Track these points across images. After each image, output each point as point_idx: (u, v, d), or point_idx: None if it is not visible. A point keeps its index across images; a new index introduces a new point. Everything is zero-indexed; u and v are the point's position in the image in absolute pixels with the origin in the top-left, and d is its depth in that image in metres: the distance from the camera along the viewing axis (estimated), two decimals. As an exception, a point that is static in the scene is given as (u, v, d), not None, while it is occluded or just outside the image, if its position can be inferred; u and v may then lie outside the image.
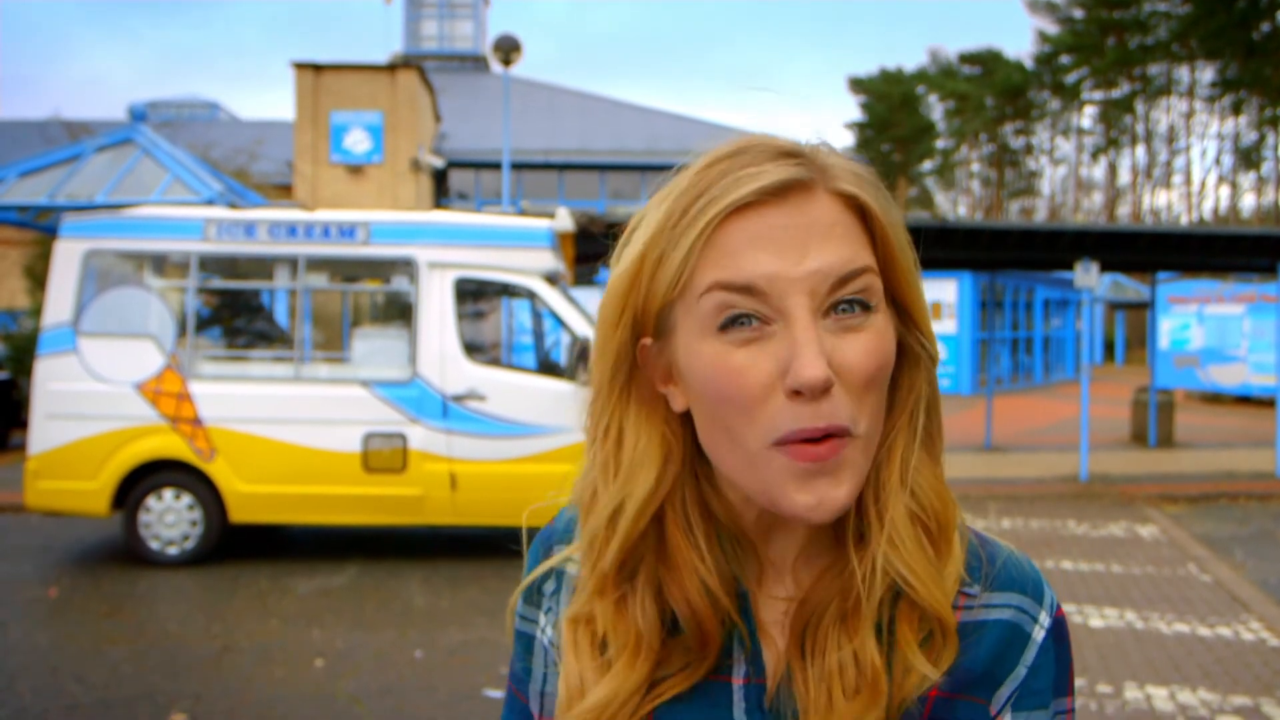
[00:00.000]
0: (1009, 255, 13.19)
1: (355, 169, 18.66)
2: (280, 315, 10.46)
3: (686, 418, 0.79)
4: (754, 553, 0.81)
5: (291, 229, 7.78)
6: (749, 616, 0.79)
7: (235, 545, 7.85)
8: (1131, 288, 31.20)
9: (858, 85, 57.76)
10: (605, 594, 0.80)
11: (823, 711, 0.74)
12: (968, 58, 56.23)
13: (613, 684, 0.77)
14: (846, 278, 0.72)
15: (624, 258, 0.77)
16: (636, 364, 0.79)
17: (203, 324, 8.68)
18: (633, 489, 0.78)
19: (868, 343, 0.72)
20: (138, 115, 11.23)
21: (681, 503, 0.79)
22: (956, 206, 61.43)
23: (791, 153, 0.74)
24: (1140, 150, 54.10)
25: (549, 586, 0.88)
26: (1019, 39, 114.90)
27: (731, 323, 0.71)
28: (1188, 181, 53.75)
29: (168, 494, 7.57)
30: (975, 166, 60.93)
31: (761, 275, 0.70)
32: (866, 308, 0.73)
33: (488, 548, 8.09)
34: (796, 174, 0.72)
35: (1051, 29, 52.26)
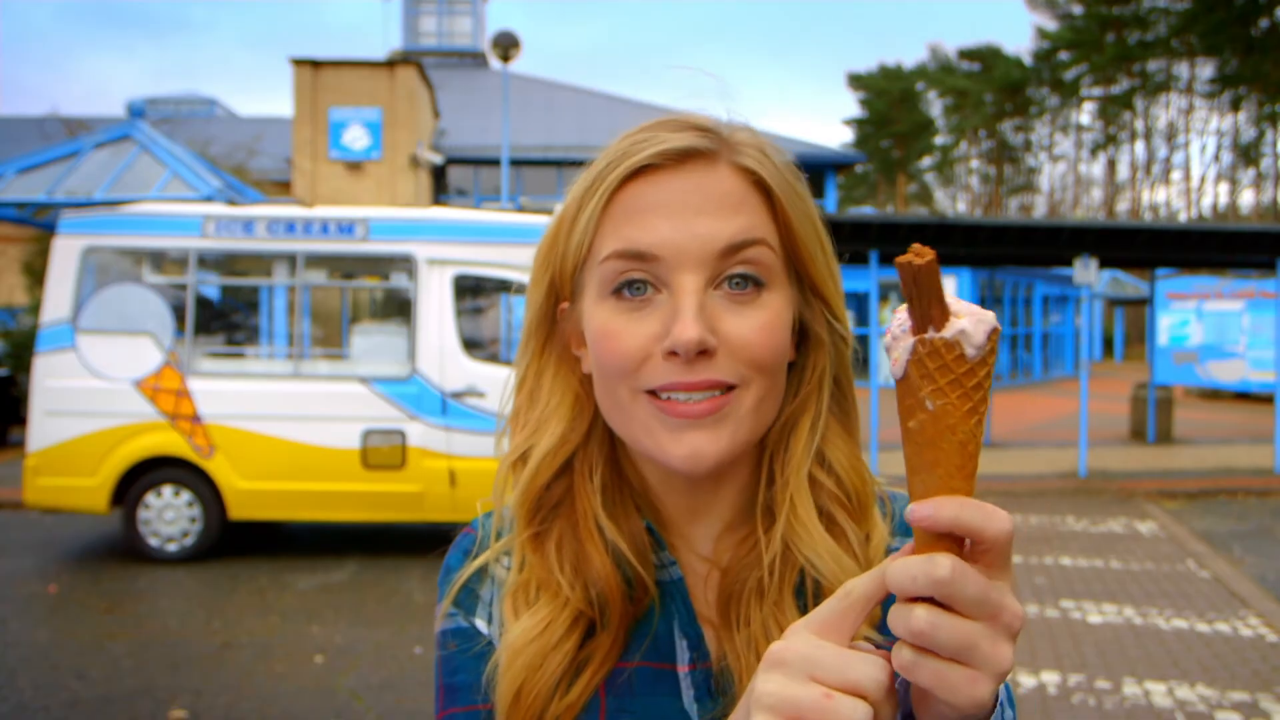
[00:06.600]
0: (1008, 251, 13.20)
1: (354, 165, 18.62)
2: (279, 312, 10.45)
3: None
4: (664, 516, 0.82)
5: (290, 225, 7.78)
6: (686, 602, 0.80)
7: (235, 542, 7.84)
8: (1130, 284, 31.24)
9: (857, 81, 57.74)
10: (525, 532, 0.81)
11: (750, 674, 0.74)
12: (967, 54, 56.20)
13: (542, 612, 0.78)
14: (735, 247, 0.73)
15: (550, 222, 0.82)
16: (556, 325, 0.83)
17: (201, 320, 8.67)
18: (539, 439, 0.82)
19: (759, 319, 0.74)
20: (136, 112, 11.22)
21: (589, 459, 0.82)
22: (955, 203, 61.42)
23: (702, 126, 0.77)
24: (1139, 146, 54.15)
25: (485, 592, 0.84)
26: (1018, 35, 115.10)
27: (624, 287, 0.74)
28: (1187, 178, 53.76)
29: (167, 491, 7.57)
30: (974, 163, 60.90)
31: (652, 241, 0.73)
32: (759, 284, 0.74)
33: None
34: (699, 143, 0.75)
35: (1051, 25, 52.30)
